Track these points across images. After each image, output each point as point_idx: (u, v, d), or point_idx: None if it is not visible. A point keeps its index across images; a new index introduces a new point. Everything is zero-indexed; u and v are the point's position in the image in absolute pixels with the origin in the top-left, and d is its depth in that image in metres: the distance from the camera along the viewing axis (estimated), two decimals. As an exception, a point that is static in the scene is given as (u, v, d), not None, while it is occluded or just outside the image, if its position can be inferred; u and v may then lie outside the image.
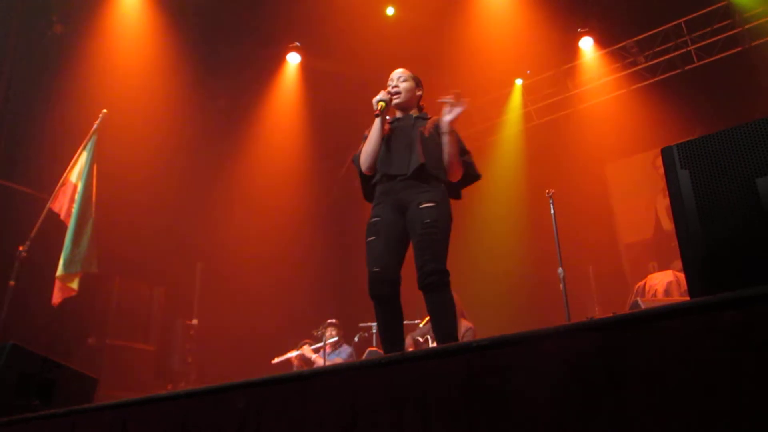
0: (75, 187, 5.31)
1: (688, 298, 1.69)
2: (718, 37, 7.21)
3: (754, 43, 7.04)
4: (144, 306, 7.01)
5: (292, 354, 6.14)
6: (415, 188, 2.90)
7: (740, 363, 0.97)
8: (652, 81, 7.74)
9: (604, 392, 1.08)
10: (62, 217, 5.25)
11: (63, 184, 5.32)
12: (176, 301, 7.27)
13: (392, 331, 2.90)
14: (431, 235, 2.78)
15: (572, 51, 8.08)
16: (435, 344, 4.26)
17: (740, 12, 7.04)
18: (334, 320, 6.16)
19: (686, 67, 7.50)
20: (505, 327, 5.39)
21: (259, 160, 8.49)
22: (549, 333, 1.24)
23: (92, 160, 5.40)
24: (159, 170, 7.28)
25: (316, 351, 6.03)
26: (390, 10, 7.96)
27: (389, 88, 3.15)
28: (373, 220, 2.97)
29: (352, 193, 3.46)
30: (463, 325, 5.08)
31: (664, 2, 7.40)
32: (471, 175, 3.08)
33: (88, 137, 5.43)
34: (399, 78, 3.19)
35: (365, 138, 3.13)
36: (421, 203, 2.84)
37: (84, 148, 5.42)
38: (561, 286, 4.38)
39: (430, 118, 3.16)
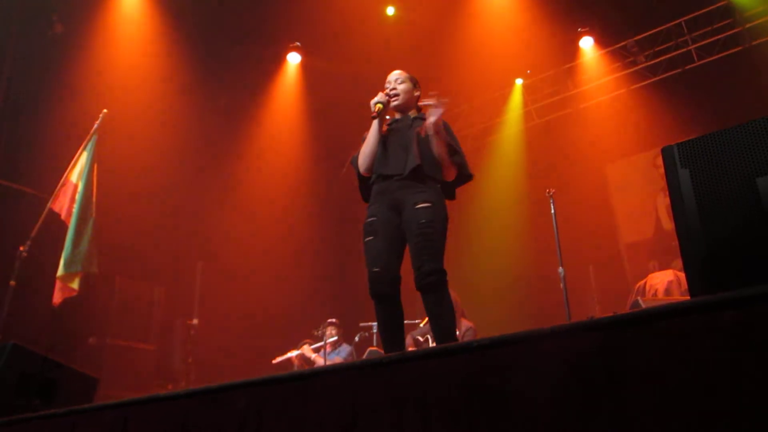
0: (75, 187, 5.31)
1: (688, 298, 1.69)
2: (719, 36, 7.21)
3: (754, 43, 7.04)
4: (144, 306, 7.01)
5: (293, 354, 6.14)
6: (410, 188, 2.91)
7: (740, 363, 0.97)
8: (652, 80, 7.73)
9: (604, 392, 1.08)
10: (63, 217, 5.25)
11: (63, 184, 5.32)
12: (177, 300, 7.27)
13: (393, 330, 2.91)
14: (427, 235, 2.78)
15: (572, 50, 8.08)
16: (435, 344, 4.26)
17: (740, 11, 7.04)
18: (333, 319, 6.16)
19: (686, 67, 7.49)
20: (506, 326, 5.40)
21: (260, 160, 8.49)
22: (549, 333, 1.24)
23: (93, 160, 5.40)
24: (159, 170, 7.28)
25: (316, 350, 6.04)
26: (390, 10, 7.96)
27: (387, 90, 3.16)
28: (370, 219, 2.98)
29: (352, 192, 3.46)
30: (464, 324, 5.08)
31: (664, 2, 7.40)
32: (463, 175, 3.08)
33: (88, 137, 5.43)
34: (396, 80, 3.19)
35: (364, 139, 3.14)
36: (416, 203, 2.85)
37: (84, 148, 5.42)
38: (561, 285, 4.38)
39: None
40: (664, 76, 7.64)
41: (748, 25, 7.05)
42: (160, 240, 7.33)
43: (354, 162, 3.18)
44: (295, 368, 6.02)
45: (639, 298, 5.14)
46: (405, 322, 2.97)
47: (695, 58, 7.43)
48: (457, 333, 4.90)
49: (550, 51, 7.96)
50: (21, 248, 4.92)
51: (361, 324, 6.12)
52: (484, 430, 1.20)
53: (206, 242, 7.71)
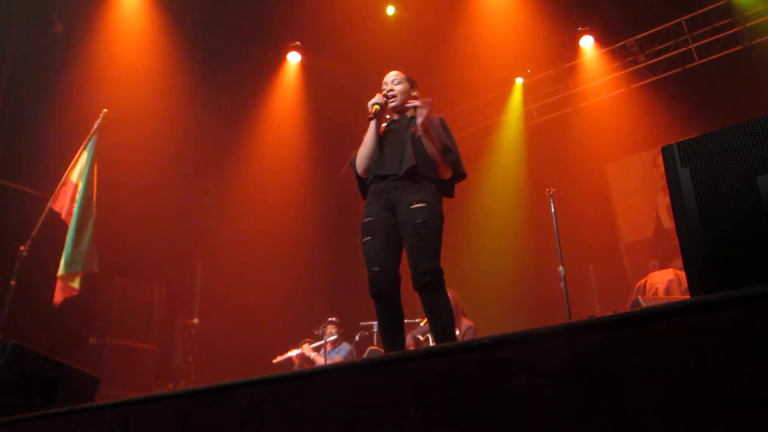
0: (76, 186, 5.32)
1: (688, 297, 1.69)
2: (719, 35, 7.20)
3: (754, 42, 7.04)
4: (145, 305, 7.01)
5: (293, 353, 6.15)
6: (406, 188, 2.92)
7: (740, 363, 0.97)
8: (652, 80, 7.73)
9: (604, 392, 1.08)
10: (63, 216, 5.26)
11: (64, 184, 5.33)
12: (177, 300, 7.28)
13: (393, 329, 2.92)
14: (423, 235, 2.79)
15: (573, 50, 8.07)
16: (435, 343, 4.26)
17: (740, 10, 7.04)
18: (333, 318, 6.17)
19: (686, 66, 7.49)
20: (506, 325, 5.40)
21: (260, 159, 8.50)
22: (549, 332, 1.24)
23: (93, 160, 5.41)
24: (160, 169, 7.28)
25: (317, 349, 6.04)
26: (390, 10, 7.96)
27: (384, 92, 3.17)
28: (367, 219, 2.99)
29: (352, 191, 3.47)
30: (464, 323, 5.09)
31: (664, 1, 7.40)
32: (457, 174, 3.08)
33: (88, 137, 5.44)
34: (393, 81, 3.20)
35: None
36: (411, 204, 2.86)
37: (85, 148, 5.42)
38: (562, 284, 4.39)
39: None
40: (664, 75, 7.64)
41: (748, 25, 7.04)
42: (161, 239, 7.33)
43: (352, 163, 3.20)
44: (296, 367, 6.02)
45: (639, 297, 5.14)
46: (405, 321, 2.98)
47: (695, 58, 7.42)
48: (458, 332, 4.92)
49: (550, 50, 7.96)
50: (21, 248, 4.93)
51: (362, 323, 6.13)
52: (484, 429, 1.21)
53: (207, 241, 7.71)
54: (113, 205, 6.12)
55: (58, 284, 5.09)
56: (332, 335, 6.02)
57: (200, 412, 1.83)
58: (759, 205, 1.60)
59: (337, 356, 5.94)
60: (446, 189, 3.13)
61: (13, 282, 4.80)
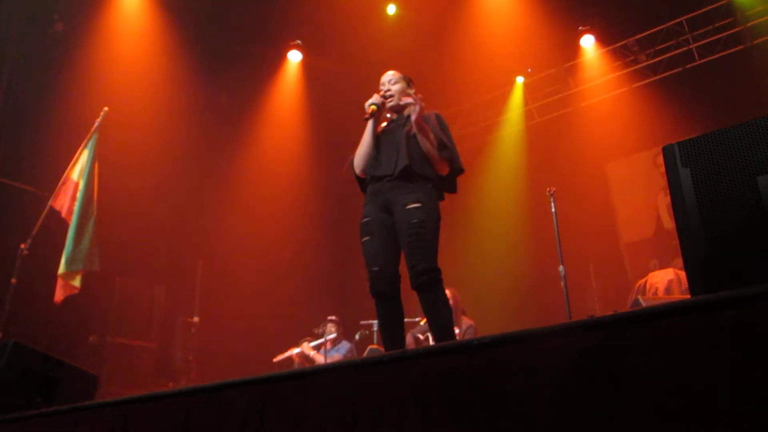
0: (76, 185, 5.32)
1: (689, 297, 1.69)
2: (720, 35, 7.19)
3: (755, 42, 7.03)
4: (145, 304, 7.02)
5: (293, 352, 6.15)
6: (401, 189, 2.92)
7: (740, 363, 0.97)
8: (653, 79, 7.72)
9: (604, 392, 1.08)
10: (63, 215, 5.26)
11: (64, 182, 5.32)
12: (177, 298, 7.28)
13: (393, 328, 2.92)
14: (419, 235, 2.79)
15: (573, 49, 8.07)
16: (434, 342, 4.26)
17: (741, 10, 7.03)
18: (333, 317, 6.17)
19: (687, 66, 7.48)
20: (506, 325, 5.40)
21: (260, 158, 8.49)
22: (550, 331, 1.24)
23: (93, 158, 5.40)
24: (160, 168, 7.28)
25: (316, 348, 6.04)
26: (391, 9, 7.96)
27: (382, 92, 3.17)
28: (365, 220, 3.00)
29: (352, 190, 3.47)
30: (465, 322, 5.09)
31: (665, 0, 7.39)
32: (454, 169, 3.08)
33: (89, 135, 5.43)
34: (390, 80, 3.21)
35: None
36: (407, 204, 2.86)
37: (85, 146, 5.42)
38: (562, 284, 4.38)
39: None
40: (664, 74, 7.63)
41: (749, 24, 7.03)
42: (161, 238, 7.34)
43: (352, 164, 3.20)
44: (296, 366, 6.02)
45: (639, 296, 5.14)
46: (405, 320, 2.98)
47: (696, 57, 7.42)
48: (458, 331, 4.92)
49: (551, 49, 7.95)
50: (22, 246, 4.92)
51: (362, 322, 6.13)
52: (484, 428, 1.21)
53: (207, 240, 7.71)
54: (113, 204, 6.12)
55: (59, 283, 5.09)
56: (332, 334, 6.02)
57: (200, 410, 1.83)
58: (759, 204, 1.59)
59: (336, 354, 5.94)
60: (446, 185, 3.13)
61: (13, 280, 4.80)
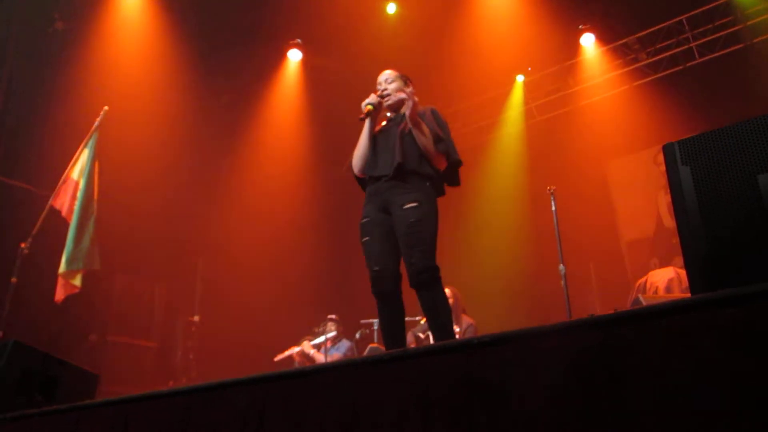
0: (77, 184, 5.32)
1: (689, 295, 1.69)
2: (720, 33, 7.19)
3: (755, 40, 7.02)
4: (145, 303, 7.03)
5: (294, 350, 6.15)
6: (398, 188, 2.92)
7: (740, 361, 0.96)
8: (653, 78, 7.72)
9: (604, 391, 1.08)
10: (63, 214, 5.26)
11: (64, 182, 5.32)
12: (177, 297, 7.29)
13: (394, 327, 2.92)
14: (417, 233, 2.79)
15: (574, 48, 8.06)
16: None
17: (741, 9, 7.02)
18: (333, 316, 6.18)
19: (688, 64, 7.48)
20: (506, 323, 5.39)
21: (260, 157, 8.49)
22: (550, 330, 1.24)
23: (94, 157, 5.40)
24: (160, 167, 7.28)
25: (316, 347, 6.05)
26: (391, 8, 7.95)
27: (379, 92, 3.16)
28: (364, 220, 3.01)
29: (353, 189, 3.47)
30: (465, 321, 5.09)
31: (665, -1, 7.39)
32: (452, 162, 3.07)
33: (89, 134, 5.43)
34: (386, 80, 3.20)
35: None
36: (404, 204, 2.86)
37: (85, 145, 5.42)
38: (562, 282, 4.38)
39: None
40: (665, 73, 7.63)
41: (749, 23, 7.03)
42: (161, 237, 7.33)
43: (351, 164, 3.21)
44: (296, 365, 6.03)
45: (640, 295, 5.14)
46: (406, 319, 2.98)
47: (696, 56, 7.41)
48: (458, 329, 4.92)
49: (551, 48, 7.94)
50: (22, 245, 4.93)
51: (362, 321, 6.12)
52: (484, 427, 1.21)
53: (207, 239, 7.71)
54: (114, 203, 6.11)
55: (60, 282, 5.10)
56: (332, 332, 6.02)
57: (201, 409, 1.83)
58: (760, 203, 1.59)
59: (336, 353, 5.94)
60: (448, 179, 3.13)
61: (14, 279, 4.80)
